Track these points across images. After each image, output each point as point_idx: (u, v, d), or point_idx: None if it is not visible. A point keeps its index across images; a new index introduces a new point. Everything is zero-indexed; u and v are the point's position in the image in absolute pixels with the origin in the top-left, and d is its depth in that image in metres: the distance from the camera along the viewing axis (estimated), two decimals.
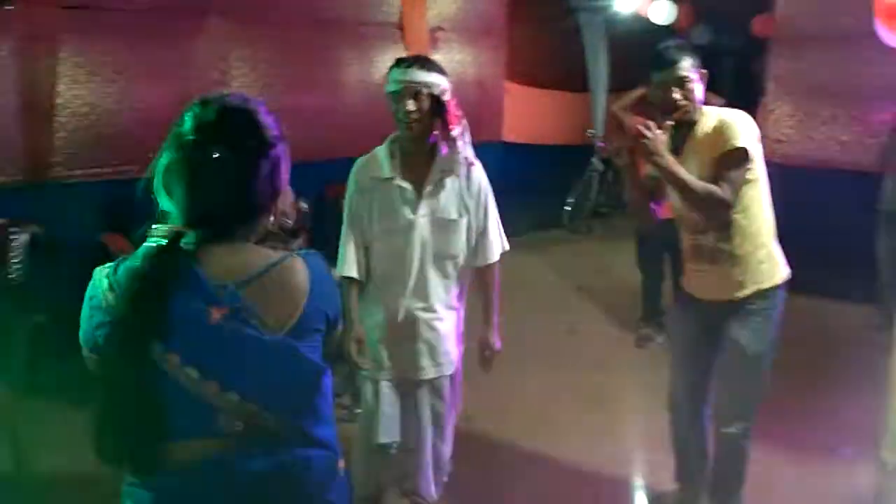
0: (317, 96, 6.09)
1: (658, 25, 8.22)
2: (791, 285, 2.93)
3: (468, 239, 2.80)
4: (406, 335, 2.78)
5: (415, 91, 2.59)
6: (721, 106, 2.94)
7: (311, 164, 5.95)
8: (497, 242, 2.87)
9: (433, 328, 2.79)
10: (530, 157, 8.41)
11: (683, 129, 2.84)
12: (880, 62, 6.06)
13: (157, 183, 1.41)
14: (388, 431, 2.84)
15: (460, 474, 3.67)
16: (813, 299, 5.92)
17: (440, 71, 2.66)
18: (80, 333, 1.42)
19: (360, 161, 2.82)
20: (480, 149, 8.17)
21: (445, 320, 2.81)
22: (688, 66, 2.76)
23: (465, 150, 2.73)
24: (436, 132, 2.68)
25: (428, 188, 2.68)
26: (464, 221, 2.76)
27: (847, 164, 6.28)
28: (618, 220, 8.61)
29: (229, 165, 1.38)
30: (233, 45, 5.47)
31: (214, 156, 1.37)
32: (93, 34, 4.78)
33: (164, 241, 1.35)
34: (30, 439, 3.76)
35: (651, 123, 2.65)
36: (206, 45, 5.33)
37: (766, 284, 2.84)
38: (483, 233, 2.82)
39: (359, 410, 4.14)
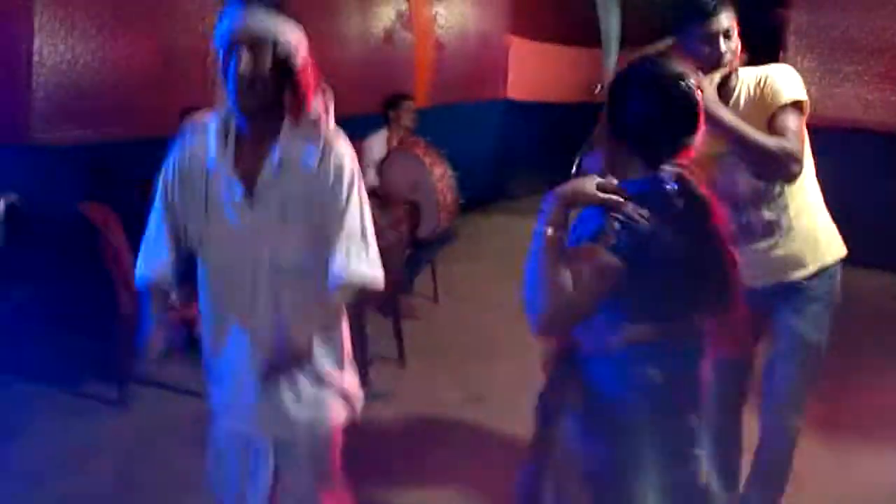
0: (315, 50, 5.75)
1: None
2: None
3: (321, 248, 1.96)
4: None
5: (252, 43, 1.79)
6: (743, 62, 2.65)
7: None
8: (349, 260, 1.93)
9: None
10: (536, 116, 8.11)
11: (721, 91, 2.51)
12: None
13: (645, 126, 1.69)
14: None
15: (475, 459, 3.48)
16: None
17: (292, 19, 1.88)
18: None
19: (188, 129, 2.02)
20: (483, 107, 8.00)
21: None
22: (731, 16, 2.43)
23: (325, 128, 1.94)
24: (285, 108, 1.90)
25: (262, 182, 1.90)
26: (313, 225, 1.95)
27: (872, 123, 5.99)
28: None
29: None
30: None
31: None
32: None
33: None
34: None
35: (701, 77, 2.34)
36: None
37: (829, 260, 2.56)
38: (334, 242, 1.93)
39: (362, 392, 3.94)
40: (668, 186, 1.71)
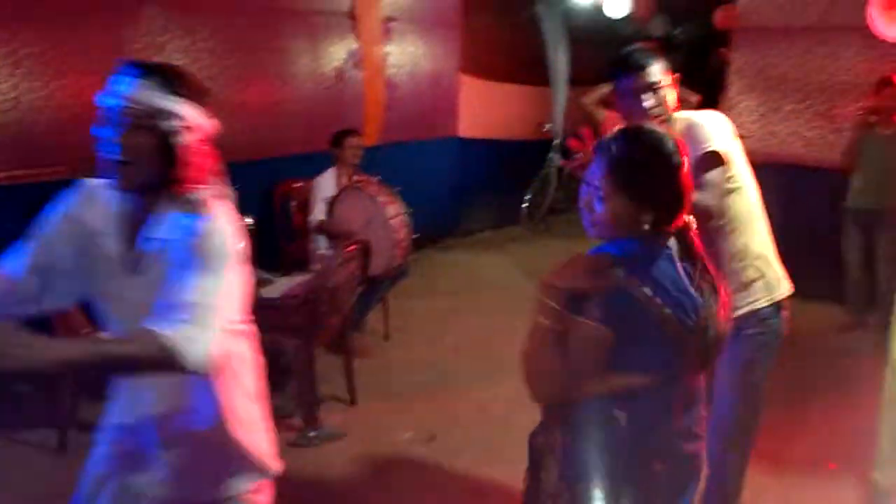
0: (263, 90, 5.77)
1: (617, 17, 8.05)
2: None
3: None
4: None
5: (138, 119, 1.68)
6: (696, 103, 2.74)
7: (258, 162, 5.64)
8: (168, 321, 1.60)
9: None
10: (487, 153, 8.19)
11: None
12: (845, 55, 5.98)
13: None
14: None
15: (426, 500, 3.44)
16: None
17: (193, 96, 1.74)
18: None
19: (87, 185, 1.87)
20: (436, 144, 8.03)
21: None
22: (658, 71, 2.56)
23: (211, 211, 1.78)
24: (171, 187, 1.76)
25: (141, 257, 1.80)
26: None
27: (811, 160, 6.17)
28: (576, 217, 8.43)
29: None
30: (170, 35, 5.10)
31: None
32: (17, 22, 4.38)
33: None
34: None
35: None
36: (141, 35, 4.95)
37: (761, 304, 2.63)
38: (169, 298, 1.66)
39: (313, 433, 3.89)
40: (670, 247, 1.80)
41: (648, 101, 2.54)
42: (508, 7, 8.04)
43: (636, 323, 1.68)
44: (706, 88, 6.97)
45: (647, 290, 1.68)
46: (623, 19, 8.21)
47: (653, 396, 1.78)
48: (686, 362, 1.78)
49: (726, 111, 6.45)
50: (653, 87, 2.54)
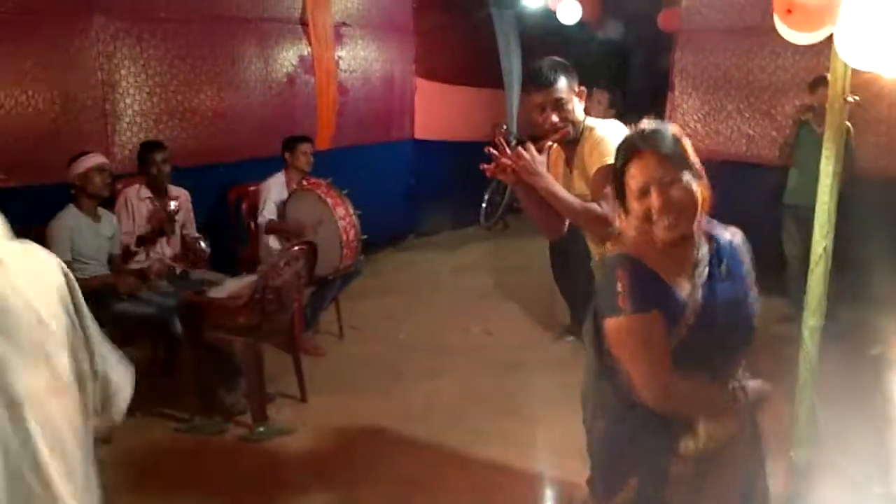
0: (214, 96, 5.82)
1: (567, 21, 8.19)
2: None
3: None
4: None
5: None
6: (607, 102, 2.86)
7: (211, 166, 5.70)
8: None
9: None
10: (443, 155, 8.28)
11: (570, 147, 2.80)
12: (784, 55, 6.18)
13: None
14: None
15: (373, 487, 3.53)
16: None
17: None
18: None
19: None
20: (392, 148, 8.09)
21: None
22: (564, 87, 2.70)
23: None
24: None
25: None
26: None
27: (753, 157, 6.37)
28: None
29: None
30: (119, 44, 5.14)
31: None
32: None
33: None
34: None
35: (529, 145, 2.61)
36: (89, 44, 4.98)
37: None
38: None
39: (262, 429, 3.97)
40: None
41: (553, 116, 2.70)
42: (461, 11, 8.15)
43: None
44: (658, 89, 7.16)
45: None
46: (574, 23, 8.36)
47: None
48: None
49: (671, 110, 6.66)
50: (559, 103, 2.69)
